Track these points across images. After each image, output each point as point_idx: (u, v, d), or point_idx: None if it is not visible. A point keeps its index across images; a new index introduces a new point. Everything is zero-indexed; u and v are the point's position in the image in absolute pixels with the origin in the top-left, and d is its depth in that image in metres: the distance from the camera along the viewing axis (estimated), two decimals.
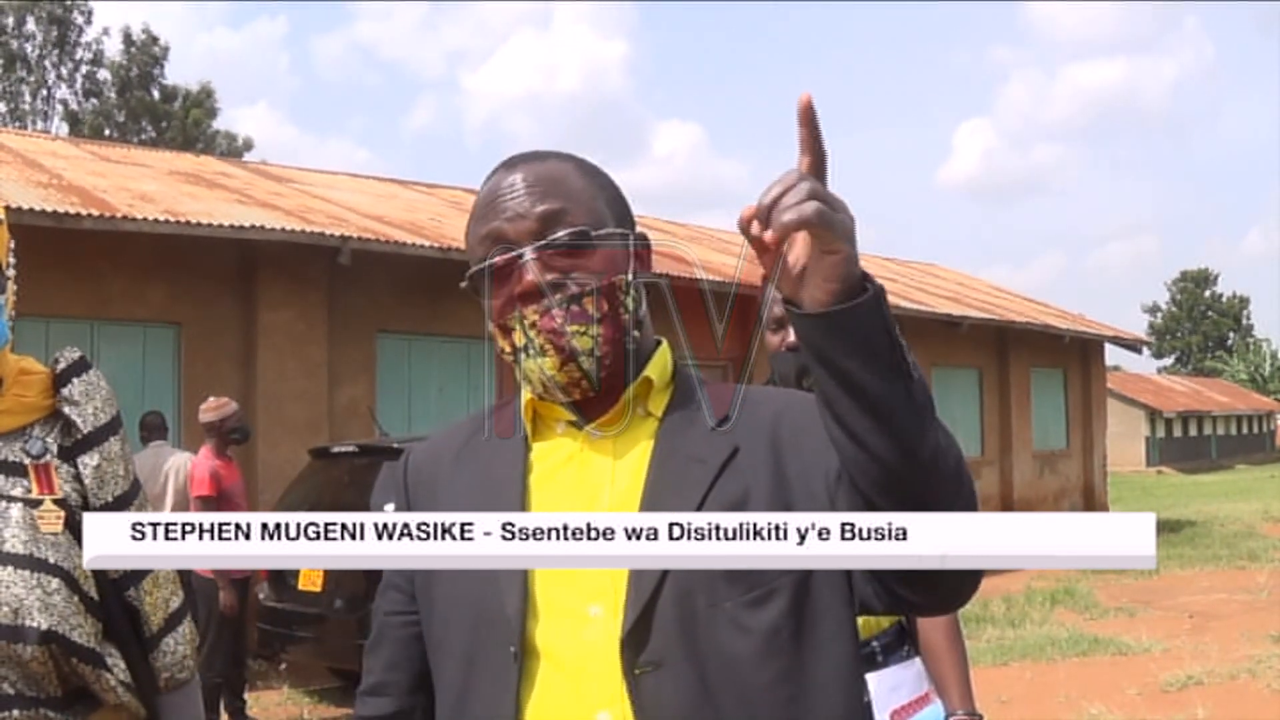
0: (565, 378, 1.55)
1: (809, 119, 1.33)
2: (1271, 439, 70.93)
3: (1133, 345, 26.04)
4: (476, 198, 1.65)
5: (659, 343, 1.68)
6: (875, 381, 1.33)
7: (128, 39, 43.16)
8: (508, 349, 1.59)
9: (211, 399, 8.83)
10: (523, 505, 1.58)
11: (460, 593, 1.57)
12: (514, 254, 1.56)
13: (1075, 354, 23.25)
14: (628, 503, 1.54)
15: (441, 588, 1.61)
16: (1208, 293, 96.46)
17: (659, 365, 1.65)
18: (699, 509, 1.50)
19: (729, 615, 1.48)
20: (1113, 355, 27.64)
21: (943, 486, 1.39)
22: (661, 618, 1.47)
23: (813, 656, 1.51)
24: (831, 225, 1.29)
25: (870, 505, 1.38)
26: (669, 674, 1.46)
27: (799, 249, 1.34)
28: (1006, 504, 20.79)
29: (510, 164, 1.64)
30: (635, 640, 1.47)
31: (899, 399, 1.34)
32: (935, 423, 1.39)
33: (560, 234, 1.56)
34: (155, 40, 43.70)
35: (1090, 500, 23.37)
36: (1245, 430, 67.97)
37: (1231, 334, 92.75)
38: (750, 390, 1.68)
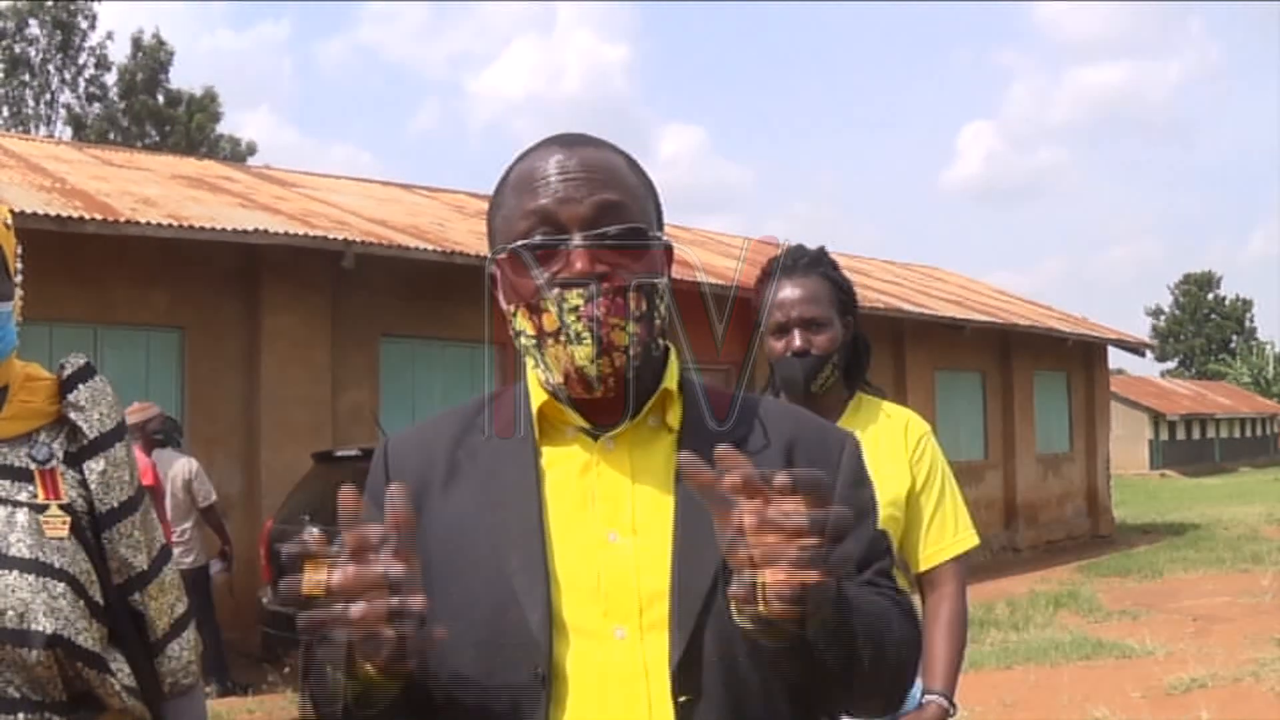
0: (595, 370, 1.49)
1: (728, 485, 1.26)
2: (1275, 442, 70.79)
3: (1136, 348, 26.01)
4: (516, 168, 1.58)
5: (668, 350, 1.64)
6: (819, 669, 1.37)
7: (136, 43, 43.19)
8: (532, 331, 1.52)
9: (135, 403, 9.06)
10: (541, 518, 1.52)
11: (472, 602, 1.49)
12: (564, 238, 1.50)
13: (1078, 357, 23.22)
14: (658, 523, 1.51)
15: (448, 594, 1.51)
16: (1211, 295, 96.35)
17: (673, 375, 1.62)
18: None
19: (764, 653, 1.45)
20: (1116, 358, 27.63)
21: (860, 683, 1.46)
22: (707, 649, 1.46)
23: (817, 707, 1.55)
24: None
25: None
26: (710, 705, 1.44)
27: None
28: (1010, 507, 20.78)
29: (564, 142, 1.58)
30: (684, 669, 1.45)
31: (836, 667, 1.38)
32: (862, 658, 1.41)
33: (616, 228, 1.51)
34: (163, 44, 43.72)
35: (1093, 503, 23.35)
36: (1249, 433, 67.87)
37: (1235, 337, 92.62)
38: (763, 405, 1.67)
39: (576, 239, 1.50)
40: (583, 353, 1.49)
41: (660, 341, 1.57)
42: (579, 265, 1.48)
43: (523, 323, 1.54)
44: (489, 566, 1.51)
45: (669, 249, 1.64)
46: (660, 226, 1.63)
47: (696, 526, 1.48)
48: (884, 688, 1.51)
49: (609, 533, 1.51)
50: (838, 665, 1.37)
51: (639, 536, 1.51)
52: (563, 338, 1.49)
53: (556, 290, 1.49)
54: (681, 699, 1.43)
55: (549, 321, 1.50)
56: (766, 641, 1.31)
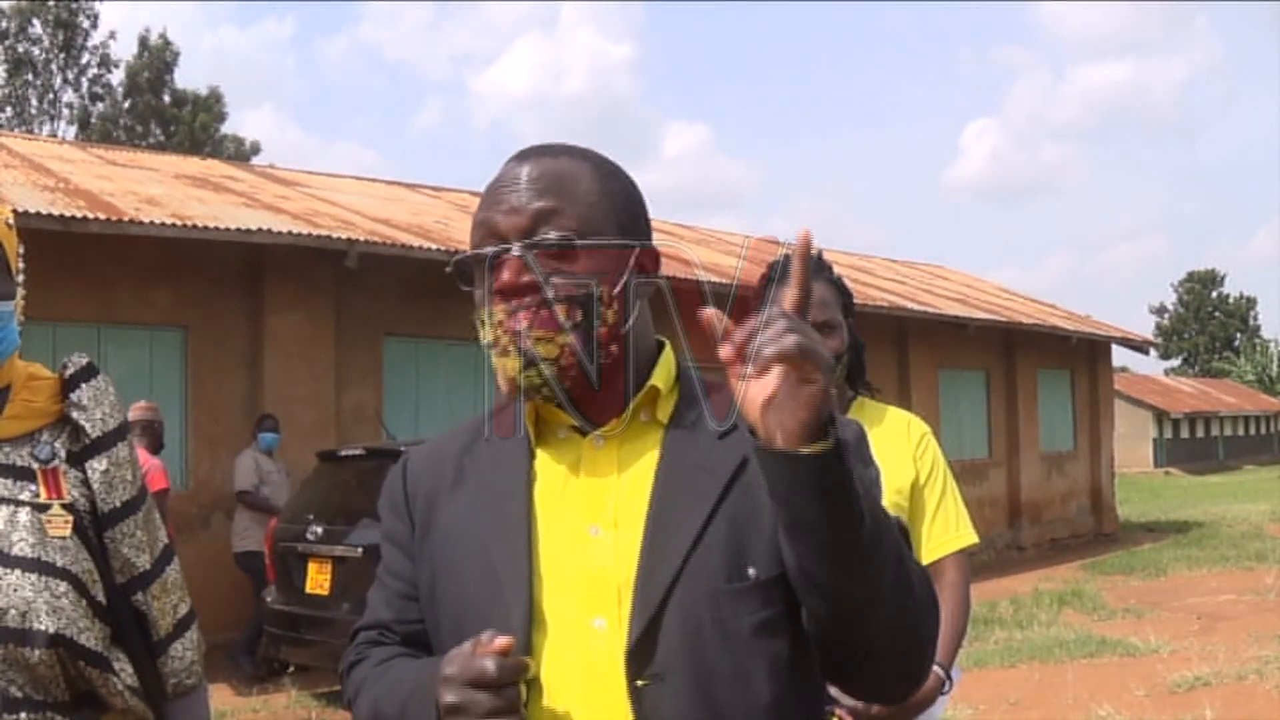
0: (527, 382, 1.53)
1: (806, 254, 1.36)
2: (1279, 440, 70.72)
3: (1140, 346, 25.99)
4: (490, 181, 1.64)
5: (662, 346, 1.66)
6: (830, 526, 1.37)
7: (143, 42, 43.20)
8: (483, 342, 1.58)
9: (143, 401, 9.04)
10: (528, 515, 1.56)
11: (467, 602, 1.55)
12: (500, 249, 1.54)
13: (1082, 355, 23.21)
14: (634, 514, 1.53)
15: (449, 596, 1.59)
16: (1215, 293, 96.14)
17: (664, 371, 1.63)
18: (708, 521, 1.51)
19: (737, 634, 1.48)
20: (1120, 356, 27.62)
21: (880, 616, 1.45)
22: (667, 632, 1.47)
23: (806, 687, 1.55)
24: (811, 357, 1.30)
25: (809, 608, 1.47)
26: (671, 688, 1.46)
27: (774, 379, 1.34)
28: (1014, 505, 20.77)
29: (522, 155, 1.62)
30: (640, 653, 1.46)
31: (848, 543, 1.38)
32: (882, 559, 1.42)
33: (549, 236, 1.54)
34: (168, 44, 43.74)
35: (1097, 501, 23.33)
36: (1253, 431, 67.80)
37: (1239, 335, 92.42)
38: None
39: (514, 249, 1.54)
40: (511, 364, 1.54)
41: (610, 349, 1.56)
42: (505, 277, 1.53)
43: (480, 332, 1.59)
44: (480, 564, 1.56)
45: (652, 251, 1.64)
46: (634, 229, 1.63)
47: (667, 513, 1.52)
48: (907, 647, 1.50)
49: (591, 527, 1.54)
50: (867, 516, 1.38)
51: (619, 529, 1.53)
52: (495, 350, 1.55)
53: (488, 306, 1.55)
54: (639, 683, 1.46)
55: (486, 334, 1.56)
56: (802, 449, 1.33)
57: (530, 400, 1.58)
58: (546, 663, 1.49)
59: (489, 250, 1.55)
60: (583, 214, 1.57)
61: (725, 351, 1.32)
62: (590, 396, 1.57)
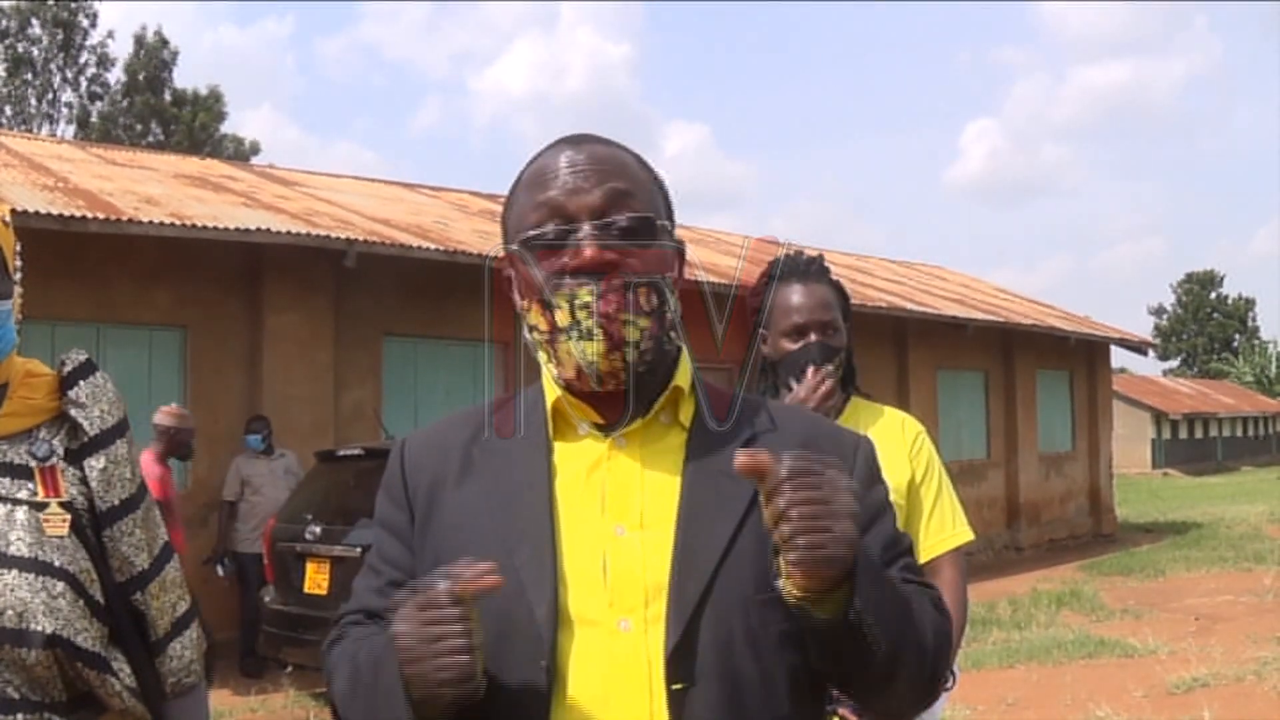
0: (607, 366, 1.51)
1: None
2: (1277, 441, 70.66)
3: (1138, 347, 25.97)
4: (528, 168, 1.61)
5: (680, 348, 1.65)
6: (849, 655, 1.44)
7: (139, 41, 43.13)
8: (544, 327, 1.54)
9: (175, 405, 9.00)
10: (550, 512, 1.54)
11: (483, 600, 1.51)
12: (573, 228, 1.52)
13: (1081, 356, 23.20)
14: (663, 516, 1.52)
15: None
16: (1213, 294, 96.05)
17: (685, 372, 1.62)
18: (737, 530, 1.51)
19: (764, 643, 1.49)
20: (1118, 357, 27.59)
21: (898, 680, 1.51)
22: (702, 637, 1.47)
23: (817, 693, 1.56)
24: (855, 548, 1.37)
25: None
26: (704, 693, 1.45)
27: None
28: (1012, 506, 20.76)
29: (574, 140, 1.60)
30: (678, 657, 1.46)
31: (868, 658, 1.43)
32: (902, 644, 1.46)
33: (624, 216, 1.53)
34: (165, 43, 43.67)
35: (1096, 502, 23.32)
36: (1251, 432, 67.78)
37: (1237, 336, 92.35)
38: (776, 407, 1.68)
39: (585, 228, 1.51)
40: (594, 349, 1.50)
41: (672, 336, 1.57)
42: (587, 254, 1.50)
43: (536, 318, 1.55)
44: (497, 559, 1.51)
45: (680, 251, 1.65)
46: (672, 225, 1.64)
47: (699, 519, 1.51)
48: (924, 675, 1.52)
49: (616, 527, 1.53)
50: (884, 642, 1.41)
51: (646, 531, 1.52)
52: (574, 334, 1.51)
53: (568, 287, 1.50)
54: (675, 687, 1.45)
55: (561, 317, 1.51)
56: (816, 613, 1.39)
57: (601, 387, 1.55)
58: (572, 662, 1.47)
59: (568, 227, 1.53)
60: (648, 200, 1.58)
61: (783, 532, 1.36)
62: (606, 395, 1.56)
